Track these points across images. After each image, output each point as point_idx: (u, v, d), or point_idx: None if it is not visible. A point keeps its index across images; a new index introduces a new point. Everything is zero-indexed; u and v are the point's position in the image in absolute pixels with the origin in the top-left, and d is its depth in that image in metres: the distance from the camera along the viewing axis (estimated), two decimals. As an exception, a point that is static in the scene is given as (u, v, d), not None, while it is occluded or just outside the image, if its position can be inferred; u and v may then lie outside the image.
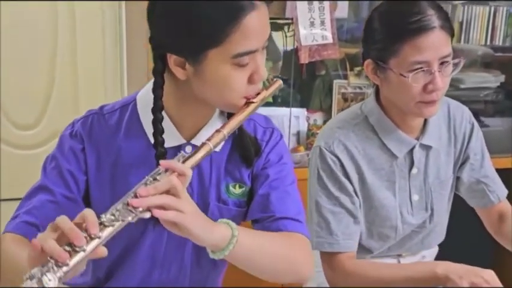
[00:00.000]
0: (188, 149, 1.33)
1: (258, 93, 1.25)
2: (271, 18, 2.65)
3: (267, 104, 2.83)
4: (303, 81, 2.99)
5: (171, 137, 1.30)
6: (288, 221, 1.33)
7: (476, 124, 1.79)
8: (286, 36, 2.84)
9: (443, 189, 1.76)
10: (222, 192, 1.37)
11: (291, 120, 2.85)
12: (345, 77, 2.90)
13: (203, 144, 1.19)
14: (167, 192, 1.11)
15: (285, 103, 2.88)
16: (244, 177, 1.38)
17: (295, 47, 2.80)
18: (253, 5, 1.18)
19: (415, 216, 1.73)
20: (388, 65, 1.55)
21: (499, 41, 3.01)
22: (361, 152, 1.67)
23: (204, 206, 1.33)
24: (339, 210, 1.65)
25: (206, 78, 1.21)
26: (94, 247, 1.02)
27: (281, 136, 1.43)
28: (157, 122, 1.26)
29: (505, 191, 1.83)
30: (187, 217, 1.11)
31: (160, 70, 1.24)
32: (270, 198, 1.34)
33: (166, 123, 1.29)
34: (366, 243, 1.73)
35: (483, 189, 1.79)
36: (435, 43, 1.50)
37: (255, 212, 1.37)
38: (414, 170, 1.70)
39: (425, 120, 1.69)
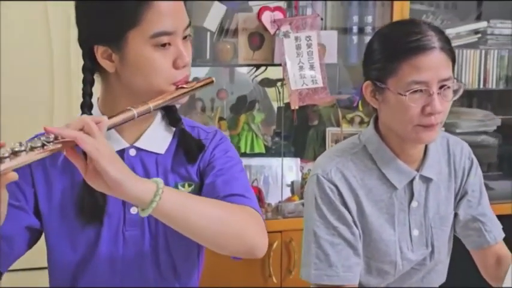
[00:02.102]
0: (132, 152, 1.36)
1: (188, 83, 1.31)
2: (262, 65, 2.73)
3: (260, 155, 2.94)
4: (297, 133, 2.98)
5: (114, 141, 1.32)
6: (234, 197, 1.31)
7: (475, 160, 1.75)
8: (279, 92, 2.86)
9: (444, 225, 1.70)
10: None
11: (283, 169, 2.82)
12: (338, 125, 2.87)
13: (127, 109, 1.22)
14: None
15: (278, 154, 2.87)
16: (191, 175, 1.39)
17: (284, 104, 2.83)
18: None
19: (415, 253, 1.66)
20: (386, 85, 1.52)
21: (492, 84, 2.98)
22: (359, 182, 1.61)
23: None
24: (338, 241, 1.58)
25: (131, 63, 1.26)
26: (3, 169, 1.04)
27: (226, 138, 1.46)
28: None
29: (502, 234, 1.75)
30: (101, 153, 1.10)
31: (88, 67, 1.31)
32: (216, 183, 1.35)
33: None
34: (364, 280, 1.65)
35: (479, 228, 1.72)
36: (434, 64, 1.48)
37: None
38: (414, 203, 1.65)
39: (425, 152, 1.64)
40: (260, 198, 2.72)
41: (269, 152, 2.92)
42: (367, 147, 1.64)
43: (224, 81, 3.03)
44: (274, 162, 2.88)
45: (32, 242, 1.37)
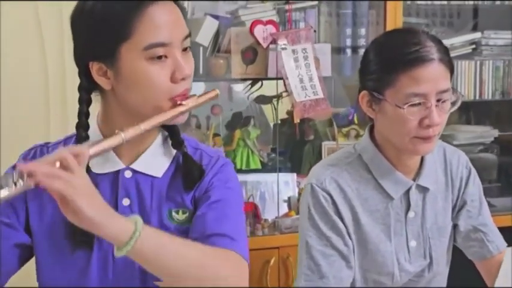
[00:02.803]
0: (128, 174, 1.31)
1: (188, 98, 1.24)
2: (256, 79, 2.71)
3: (256, 171, 2.91)
4: (293, 148, 2.98)
5: (109, 162, 1.28)
6: (218, 238, 1.24)
7: (473, 170, 1.72)
8: (275, 109, 2.83)
9: (442, 235, 1.66)
10: (164, 218, 1.31)
11: (279, 185, 2.79)
12: (333, 138, 2.85)
13: (115, 133, 1.17)
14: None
15: (275, 170, 2.84)
16: (186, 202, 1.32)
17: (280, 120, 2.82)
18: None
19: (413, 264, 1.63)
20: (383, 96, 1.50)
21: (488, 96, 2.97)
22: (354, 192, 1.58)
23: None
24: (331, 252, 1.55)
25: (125, 78, 1.22)
26: None
27: (229, 163, 1.38)
28: (81, 140, 1.26)
29: (504, 243, 1.72)
30: (77, 191, 1.04)
31: (84, 86, 1.27)
32: (206, 217, 1.28)
33: None
34: None
35: (481, 239, 1.68)
36: (433, 75, 1.45)
37: (191, 233, 1.29)
38: (411, 214, 1.61)
39: (422, 162, 1.61)
40: (256, 214, 2.69)
41: (265, 168, 2.90)
42: (362, 156, 1.61)
43: (220, 97, 3.00)
44: (270, 177, 2.85)
45: (23, 259, 1.33)
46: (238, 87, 2.99)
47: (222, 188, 1.32)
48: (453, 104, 1.51)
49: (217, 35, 2.64)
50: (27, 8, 2.59)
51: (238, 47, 2.60)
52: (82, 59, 1.26)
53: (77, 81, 1.30)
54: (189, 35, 1.26)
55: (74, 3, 1.30)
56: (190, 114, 2.83)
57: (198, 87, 2.83)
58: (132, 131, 1.17)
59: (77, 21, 1.26)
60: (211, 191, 1.32)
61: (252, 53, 2.61)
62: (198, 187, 1.32)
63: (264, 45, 2.56)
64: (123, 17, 1.20)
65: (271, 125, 3.05)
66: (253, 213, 2.68)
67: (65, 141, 1.37)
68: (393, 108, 1.48)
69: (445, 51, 1.49)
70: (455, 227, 1.70)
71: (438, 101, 1.47)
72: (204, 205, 1.30)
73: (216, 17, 2.64)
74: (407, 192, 1.60)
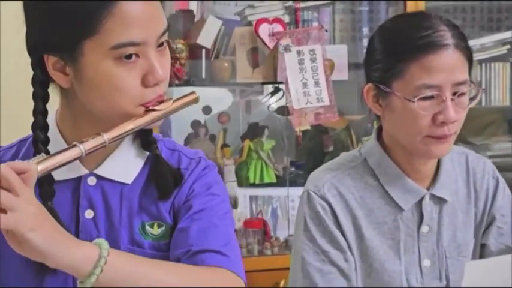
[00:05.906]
0: (91, 180, 1.15)
1: (162, 102, 1.08)
2: (263, 83, 2.56)
3: (269, 185, 2.74)
4: (314, 160, 2.80)
5: (70, 167, 1.08)
6: (207, 254, 1.09)
7: (501, 180, 1.52)
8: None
9: (462, 254, 1.46)
10: (136, 232, 1.16)
11: (289, 200, 2.65)
12: (353, 147, 2.69)
13: (72, 145, 1.01)
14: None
15: (291, 183, 2.68)
16: (163, 214, 1.16)
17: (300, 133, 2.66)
18: None
19: (426, 287, 1.43)
20: (391, 88, 1.33)
21: (525, 100, 2.78)
22: (358, 201, 1.41)
23: None
24: (329, 269, 1.39)
25: (87, 80, 1.06)
26: None
27: (213, 167, 1.22)
28: (37, 142, 1.10)
29: None
30: (23, 220, 0.90)
31: (39, 79, 1.10)
32: (189, 231, 1.12)
33: None
34: None
35: None
36: (448, 64, 1.30)
37: (173, 250, 1.13)
38: (424, 228, 1.42)
39: (438, 168, 1.43)
40: (265, 232, 2.53)
41: (280, 182, 2.73)
42: (368, 161, 1.44)
43: (238, 109, 2.87)
44: (284, 192, 2.70)
45: None
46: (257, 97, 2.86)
47: (204, 195, 1.17)
48: (472, 99, 1.35)
49: (223, 38, 2.50)
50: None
51: (243, 49, 2.44)
52: (35, 50, 1.09)
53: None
54: (167, 29, 1.08)
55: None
56: (201, 125, 2.70)
57: (201, 92, 2.69)
58: (93, 142, 1.02)
59: (33, 4, 1.09)
60: (192, 200, 1.17)
61: (259, 55, 2.45)
62: (176, 195, 1.17)
63: (270, 45, 2.40)
64: (89, 10, 1.03)
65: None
66: (262, 230, 2.53)
67: (19, 145, 1.21)
68: (402, 103, 1.32)
69: (461, 36, 1.33)
70: (484, 247, 1.50)
71: (454, 94, 1.31)
72: (186, 217, 1.15)
73: (225, 20, 2.50)
74: (420, 202, 1.41)
